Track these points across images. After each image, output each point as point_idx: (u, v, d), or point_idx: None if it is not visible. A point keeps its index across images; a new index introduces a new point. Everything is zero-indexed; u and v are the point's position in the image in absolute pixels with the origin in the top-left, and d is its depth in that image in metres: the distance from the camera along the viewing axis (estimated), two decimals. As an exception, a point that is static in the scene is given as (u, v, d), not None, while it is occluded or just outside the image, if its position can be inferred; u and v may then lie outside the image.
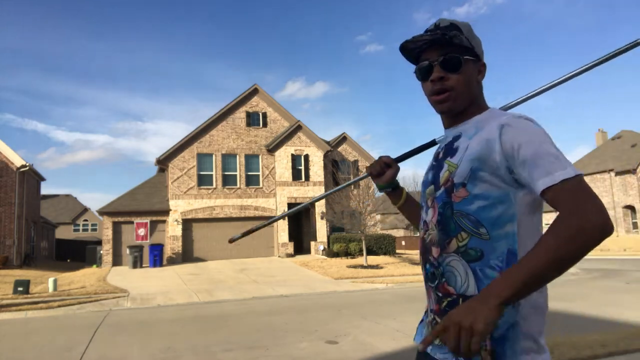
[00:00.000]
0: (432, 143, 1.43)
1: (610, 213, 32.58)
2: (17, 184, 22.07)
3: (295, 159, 24.39)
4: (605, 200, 32.96)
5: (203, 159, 23.00)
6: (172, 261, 21.01)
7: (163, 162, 22.72)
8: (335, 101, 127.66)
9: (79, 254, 32.07)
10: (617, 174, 32.24)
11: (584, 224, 0.92)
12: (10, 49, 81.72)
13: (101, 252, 22.10)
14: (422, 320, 1.33)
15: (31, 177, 25.64)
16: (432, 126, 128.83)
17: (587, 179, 34.20)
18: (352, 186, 24.91)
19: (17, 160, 22.36)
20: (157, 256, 19.91)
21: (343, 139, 26.99)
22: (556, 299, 9.73)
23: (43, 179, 28.94)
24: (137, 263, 19.32)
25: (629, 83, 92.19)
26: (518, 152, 1.04)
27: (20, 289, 11.70)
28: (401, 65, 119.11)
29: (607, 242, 29.66)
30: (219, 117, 23.82)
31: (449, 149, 1.21)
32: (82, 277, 16.12)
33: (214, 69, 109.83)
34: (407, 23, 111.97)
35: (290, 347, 5.94)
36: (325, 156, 25.12)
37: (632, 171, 31.20)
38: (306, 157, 24.55)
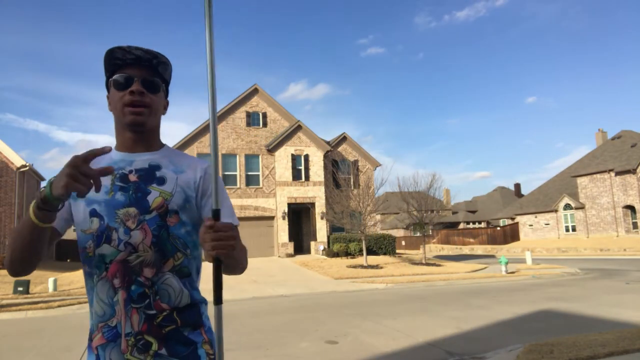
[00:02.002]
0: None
1: (610, 213, 32.58)
2: (17, 184, 22.07)
3: (295, 159, 24.38)
4: (605, 200, 32.97)
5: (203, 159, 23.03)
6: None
7: (163, 162, 22.68)
8: (336, 103, 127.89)
9: (79, 254, 32.03)
10: (617, 174, 32.23)
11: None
12: (11, 49, 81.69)
13: (101, 252, 22.13)
14: (100, 345, 1.21)
15: (31, 177, 25.64)
16: (432, 126, 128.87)
17: (587, 179, 34.41)
18: (352, 186, 24.93)
19: (17, 160, 22.36)
20: (157, 256, 19.88)
21: (343, 139, 26.98)
22: (556, 299, 9.73)
23: (43, 179, 28.93)
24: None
25: (629, 83, 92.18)
26: (208, 195, 1.31)
27: (20, 289, 11.70)
28: (401, 66, 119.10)
29: (607, 242, 29.68)
30: (219, 117, 23.80)
31: (150, 177, 1.28)
32: (82, 277, 16.11)
33: (216, 70, 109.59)
34: (407, 27, 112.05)
35: (290, 347, 5.94)
36: (325, 156, 25.10)
37: (632, 171, 31.18)
38: (306, 157, 24.54)
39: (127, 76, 1.26)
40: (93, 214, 1.23)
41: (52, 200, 1.03)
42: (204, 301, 1.33)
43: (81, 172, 0.99)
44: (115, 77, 1.27)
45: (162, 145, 1.37)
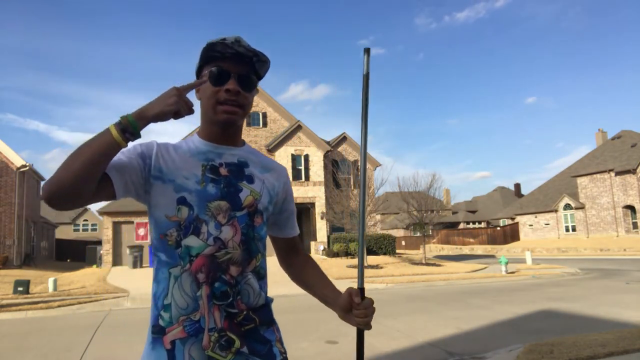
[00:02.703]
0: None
1: (610, 213, 32.57)
2: (17, 184, 22.06)
3: (295, 158, 24.38)
4: (605, 200, 32.97)
5: (203, 159, 23.04)
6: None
7: (163, 162, 22.68)
8: (337, 103, 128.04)
9: (79, 254, 32.07)
10: (617, 174, 32.23)
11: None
12: (11, 49, 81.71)
13: (101, 252, 22.11)
14: (172, 343, 1.15)
15: (31, 177, 25.63)
16: (433, 126, 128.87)
17: (587, 179, 34.39)
18: (352, 186, 24.94)
19: (17, 160, 22.36)
20: (157, 256, 19.90)
21: (343, 138, 26.98)
22: (556, 299, 9.73)
23: (43, 179, 28.93)
24: (137, 263, 19.32)
25: (629, 83, 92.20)
26: (290, 202, 1.41)
27: (20, 289, 11.70)
28: (402, 66, 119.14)
29: (607, 242, 29.69)
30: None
31: (240, 173, 1.27)
32: (82, 277, 16.12)
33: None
34: (407, 28, 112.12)
35: (290, 347, 5.91)
36: (325, 156, 25.10)
37: (632, 171, 31.18)
38: (306, 157, 24.54)
39: (225, 71, 1.21)
40: (182, 201, 1.18)
41: (149, 120, 1.08)
42: (272, 300, 1.35)
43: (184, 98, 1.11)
44: (212, 68, 1.21)
45: (244, 143, 1.36)
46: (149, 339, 1.20)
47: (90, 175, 1.04)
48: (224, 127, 1.25)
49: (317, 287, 1.45)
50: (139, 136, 1.09)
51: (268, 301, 1.31)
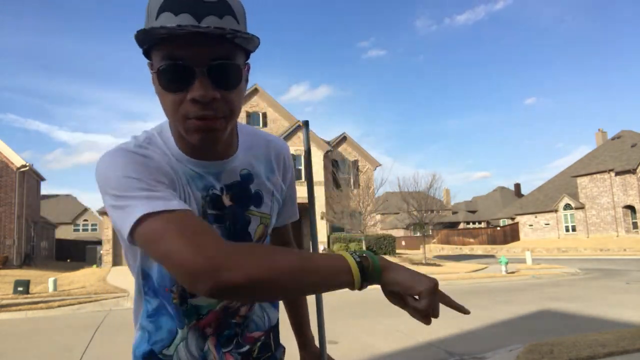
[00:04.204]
0: None
1: (610, 213, 32.59)
2: (17, 184, 22.07)
3: (295, 158, 24.39)
4: (605, 200, 32.98)
5: (203, 159, 23.06)
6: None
7: (163, 162, 22.69)
8: (338, 104, 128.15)
9: (79, 254, 32.07)
10: (617, 174, 32.23)
11: None
12: (12, 49, 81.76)
13: (101, 252, 22.12)
14: None
15: (31, 177, 25.64)
16: (433, 126, 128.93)
17: (587, 179, 34.41)
18: (352, 186, 24.94)
19: (17, 160, 22.37)
20: (157, 256, 19.91)
21: (343, 138, 26.98)
22: (556, 299, 9.73)
23: (43, 179, 28.94)
24: None
25: (629, 83, 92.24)
26: (292, 188, 1.13)
27: (20, 289, 11.69)
28: (403, 69, 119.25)
29: (607, 242, 29.70)
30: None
31: (246, 197, 0.96)
32: (82, 277, 16.12)
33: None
34: (408, 30, 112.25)
35: (289, 347, 5.92)
36: (325, 156, 25.11)
37: (632, 171, 31.19)
38: (306, 157, 24.57)
39: (183, 67, 0.76)
40: None
41: (392, 285, 0.78)
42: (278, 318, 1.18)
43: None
44: (161, 65, 0.77)
45: (237, 137, 0.97)
46: None
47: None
48: (203, 148, 0.88)
49: (293, 308, 1.28)
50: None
51: (277, 320, 1.18)
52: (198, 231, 0.72)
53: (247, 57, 0.86)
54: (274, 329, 1.14)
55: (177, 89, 0.78)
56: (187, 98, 0.77)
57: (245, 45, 0.80)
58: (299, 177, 24.27)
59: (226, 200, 0.94)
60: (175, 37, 0.74)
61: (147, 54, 0.82)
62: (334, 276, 0.75)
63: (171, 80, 0.78)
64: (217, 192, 0.93)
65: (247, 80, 0.88)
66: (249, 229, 0.98)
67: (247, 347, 1.05)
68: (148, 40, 0.77)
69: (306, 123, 1.23)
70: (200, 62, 0.76)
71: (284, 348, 1.20)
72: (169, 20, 0.75)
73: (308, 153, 1.17)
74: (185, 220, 0.74)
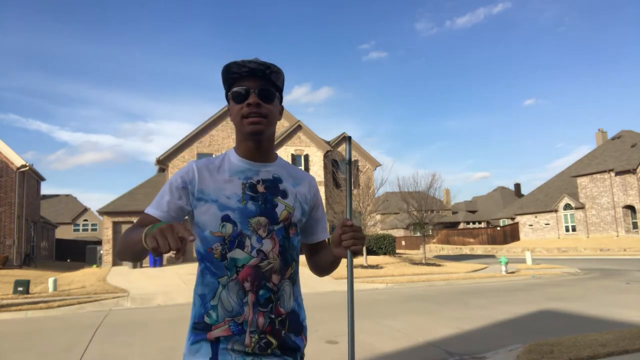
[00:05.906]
0: None
1: (610, 213, 32.58)
2: (17, 184, 22.06)
3: (295, 158, 24.38)
4: (605, 200, 32.97)
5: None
6: (173, 261, 21.00)
7: (163, 162, 22.69)
8: (339, 105, 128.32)
9: (79, 254, 32.05)
10: (617, 174, 32.23)
11: None
12: (13, 50, 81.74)
13: (101, 252, 22.11)
14: (216, 342, 1.29)
15: (31, 177, 25.63)
16: (433, 127, 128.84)
17: (587, 179, 34.37)
18: (352, 186, 24.89)
19: (17, 160, 22.36)
20: (158, 256, 19.88)
21: (343, 138, 26.96)
22: (556, 299, 9.73)
23: (43, 179, 28.94)
24: (137, 263, 19.31)
25: (629, 83, 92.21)
26: (318, 209, 1.52)
27: (20, 289, 11.69)
28: (403, 71, 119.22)
29: (607, 242, 29.68)
30: (219, 117, 23.79)
31: (275, 189, 1.39)
32: (82, 277, 16.12)
33: (216, 72, 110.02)
34: (409, 32, 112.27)
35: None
36: (325, 156, 25.10)
37: (632, 171, 31.18)
38: (306, 157, 24.54)
39: (244, 89, 1.33)
40: (226, 219, 1.31)
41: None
42: (303, 308, 1.45)
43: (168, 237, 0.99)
44: (233, 90, 1.35)
45: (277, 157, 1.48)
46: (191, 335, 1.32)
47: (137, 259, 1.28)
48: (254, 138, 1.36)
49: (323, 255, 1.54)
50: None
51: (299, 308, 1.42)
52: (137, 224, 1.29)
53: (279, 89, 1.41)
54: (292, 316, 1.37)
55: (240, 101, 1.35)
56: (245, 103, 1.34)
57: (275, 79, 1.37)
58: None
59: (260, 188, 1.37)
60: (241, 76, 1.36)
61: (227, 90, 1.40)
62: (136, 244, 1.13)
63: (237, 96, 1.35)
64: (253, 181, 1.37)
65: (281, 113, 1.45)
66: (276, 210, 1.36)
67: (274, 316, 1.31)
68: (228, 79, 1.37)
69: (349, 138, 1.46)
70: (252, 87, 1.34)
71: (305, 344, 1.42)
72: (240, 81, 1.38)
73: (349, 164, 1.40)
74: (141, 218, 1.33)
